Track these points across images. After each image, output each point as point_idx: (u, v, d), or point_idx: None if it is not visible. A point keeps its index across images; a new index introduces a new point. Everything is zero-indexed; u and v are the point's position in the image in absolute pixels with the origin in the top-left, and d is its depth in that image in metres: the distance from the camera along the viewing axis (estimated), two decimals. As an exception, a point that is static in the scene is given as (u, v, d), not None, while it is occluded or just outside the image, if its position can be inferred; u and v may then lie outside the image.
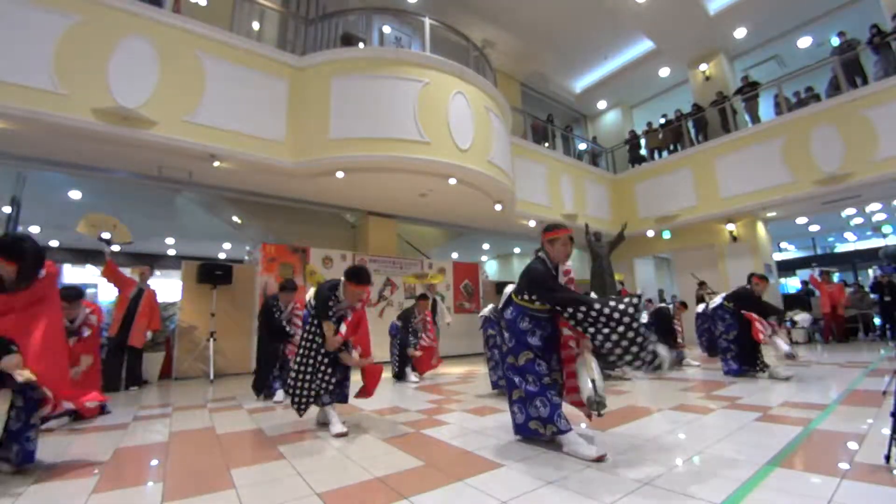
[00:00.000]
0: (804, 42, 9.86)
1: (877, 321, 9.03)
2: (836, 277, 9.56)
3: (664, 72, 11.29)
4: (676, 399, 3.51)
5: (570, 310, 2.11)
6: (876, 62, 7.47)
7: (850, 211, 10.82)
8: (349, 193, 7.07)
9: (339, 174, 6.10)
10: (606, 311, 2.00)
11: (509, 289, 2.58)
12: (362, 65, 6.09)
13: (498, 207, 7.79)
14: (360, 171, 6.12)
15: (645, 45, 10.34)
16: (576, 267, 5.31)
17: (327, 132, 5.83)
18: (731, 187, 8.92)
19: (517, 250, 15.09)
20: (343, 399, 3.03)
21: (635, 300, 2.01)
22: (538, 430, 2.27)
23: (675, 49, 10.25)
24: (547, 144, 10.39)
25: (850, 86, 7.64)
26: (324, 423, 2.96)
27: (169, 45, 5.10)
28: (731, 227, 9.37)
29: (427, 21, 6.86)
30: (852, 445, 2.09)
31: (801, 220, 11.44)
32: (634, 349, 1.98)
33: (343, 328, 2.86)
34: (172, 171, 5.80)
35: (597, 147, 12.11)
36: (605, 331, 2.00)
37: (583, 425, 2.75)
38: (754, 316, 4.42)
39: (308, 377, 2.84)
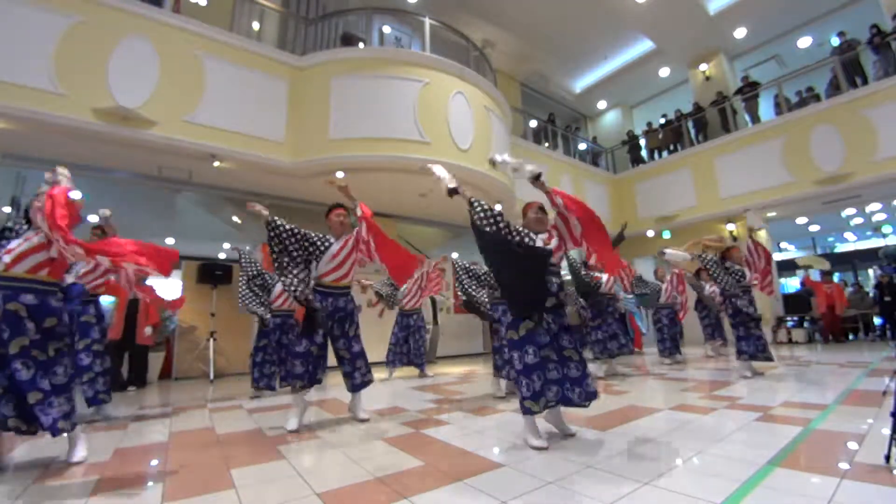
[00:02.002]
0: (804, 42, 9.84)
1: (877, 321, 9.02)
2: (836, 278, 9.54)
3: (664, 72, 11.28)
4: (676, 399, 3.51)
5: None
6: (875, 62, 7.47)
7: (850, 211, 10.80)
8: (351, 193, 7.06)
9: (339, 174, 6.09)
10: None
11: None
12: (362, 65, 6.09)
13: (498, 207, 7.70)
14: (360, 171, 6.11)
15: (645, 45, 10.34)
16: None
17: (327, 132, 5.82)
18: (731, 187, 8.92)
19: (517, 250, 15.06)
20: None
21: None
22: (532, 408, 2.27)
23: (675, 49, 10.25)
24: (547, 145, 10.38)
25: (850, 86, 7.64)
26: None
27: (169, 45, 5.10)
28: (731, 227, 9.36)
29: (427, 21, 6.86)
30: (852, 445, 2.09)
31: (801, 220, 11.44)
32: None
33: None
34: (172, 171, 5.79)
35: (597, 147, 12.11)
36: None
37: (581, 428, 2.76)
38: None
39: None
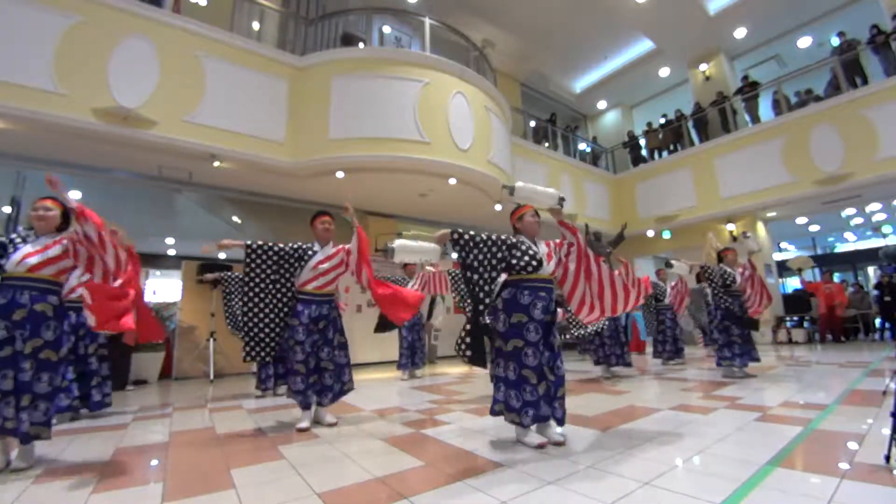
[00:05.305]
0: (804, 42, 9.85)
1: (877, 321, 9.02)
2: (836, 278, 9.56)
3: (664, 72, 11.28)
4: (676, 399, 3.51)
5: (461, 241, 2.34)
6: (877, 62, 7.47)
7: (850, 211, 10.82)
8: (349, 193, 7.06)
9: (339, 174, 6.10)
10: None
11: (502, 277, 2.54)
12: (362, 65, 6.09)
13: (498, 207, 7.79)
14: (360, 171, 6.12)
15: (645, 45, 10.34)
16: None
17: (327, 132, 5.82)
18: (730, 187, 8.92)
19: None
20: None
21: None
22: (502, 413, 2.37)
23: (675, 49, 10.25)
24: (547, 145, 10.39)
25: (850, 86, 7.64)
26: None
27: (169, 45, 5.10)
28: (731, 227, 9.37)
29: (427, 21, 6.86)
30: (852, 445, 2.09)
31: (801, 220, 11.45)
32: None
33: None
34: (172, 171, 5.79)
35: (597, 147, 12.11)
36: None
37: (581, 428, 2.76)
38: None
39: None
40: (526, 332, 2.30)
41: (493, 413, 2.41)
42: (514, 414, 2.28)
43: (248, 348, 2.88)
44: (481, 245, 2.37)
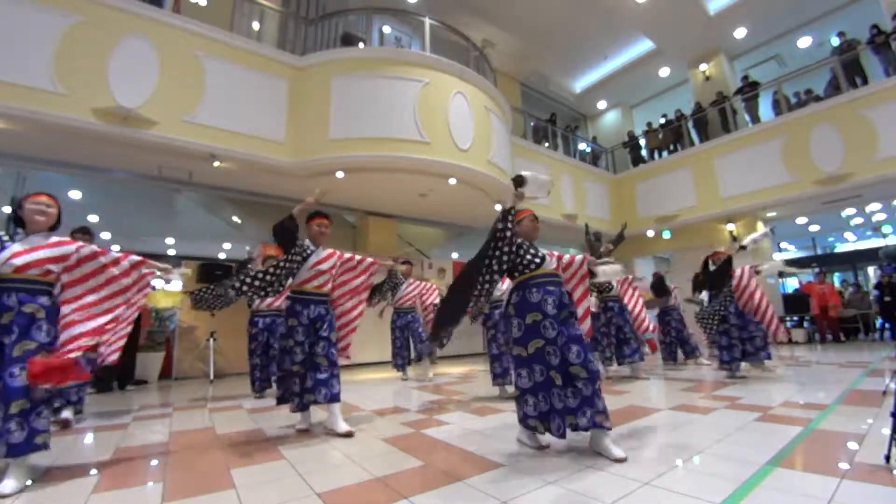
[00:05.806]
0: (804, 42, 9.85)
1: (877, 321, 9.02)
2: (836, 278, 9.58)
3: (664, 72, 11.28)
4: (676, 399, 3.51)
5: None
6: (877, 62, 7.47)
7: (850, 211, 10.81)
8: (349, 193, 7.07)
9: (339, 174, 6.10)
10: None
11: (506, 284, 2.58)
12: (362, 65, 6.09)
13: (498, 207, 7.79)
14: (360, 171, 6.11)
15: (645, 45, 10.34)
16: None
17: (327, 132, 5.82)
18: (730, 187, 8.92)
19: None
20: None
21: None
22: (537, 428, 2.25)
23: (675, 49, 10.25)
24: (547, 145, 10.39)
25: (850, 86, 7.64)
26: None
27: (169, 45, 5.10)
28: (731, 227, 9.37)
29: (427, 21, 6.86)
30: (852, 445, 2.09)
31: (801, 220, 11.44)
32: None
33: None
34: (172, 171, 5.79)
35: (597, 147, 12.12)
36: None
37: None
38: None
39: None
40: (544, 330, 2.24)
41: (526, 426, 2.31)
42: (545, 422, 2.22)
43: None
44: (515, 234, 2.41)
